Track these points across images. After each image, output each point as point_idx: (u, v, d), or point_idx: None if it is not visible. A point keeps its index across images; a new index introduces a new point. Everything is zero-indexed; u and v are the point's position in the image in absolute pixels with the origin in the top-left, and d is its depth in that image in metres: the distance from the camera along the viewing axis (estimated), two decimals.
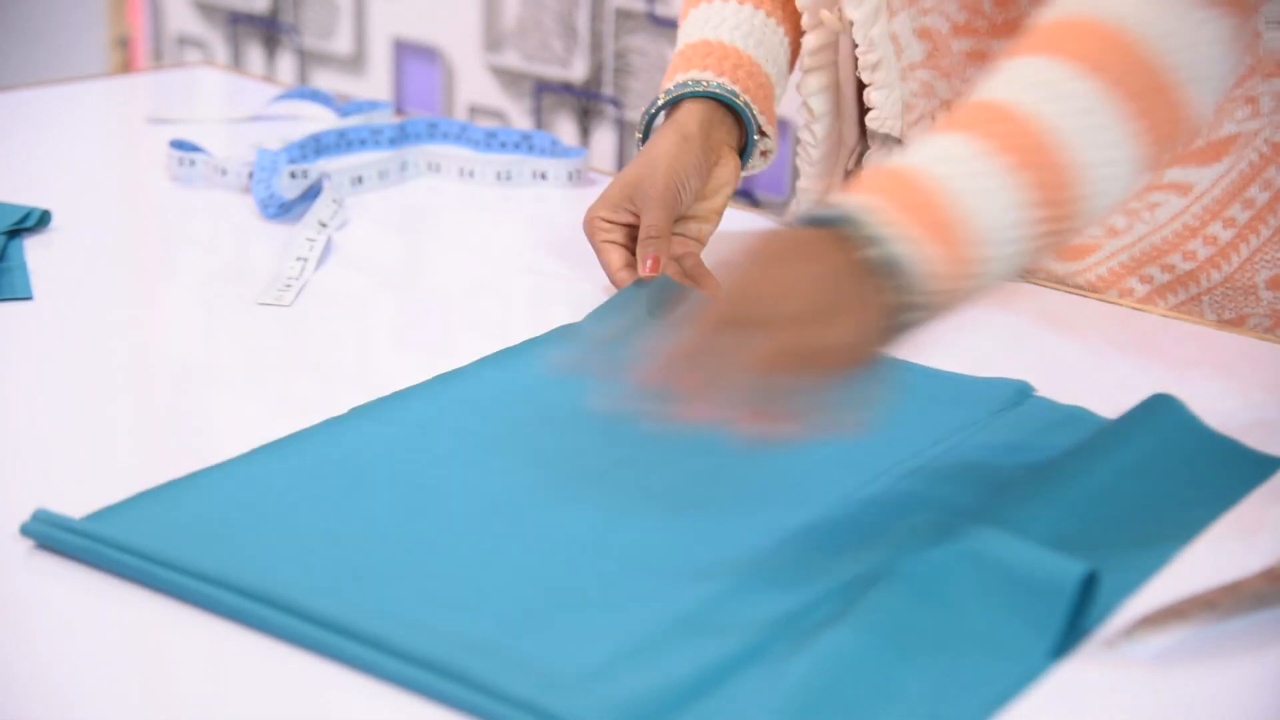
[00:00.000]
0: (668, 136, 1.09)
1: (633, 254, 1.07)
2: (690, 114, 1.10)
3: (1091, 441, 0.86)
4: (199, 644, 0.70)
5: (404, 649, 0.67)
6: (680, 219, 1.09)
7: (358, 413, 0.89)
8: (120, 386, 0.96)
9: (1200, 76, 0.82)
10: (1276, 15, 1.03)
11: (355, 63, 2.42)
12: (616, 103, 2.15)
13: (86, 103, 1.53)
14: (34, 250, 1.12)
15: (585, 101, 2.19)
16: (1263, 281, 1.10)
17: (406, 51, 2.36)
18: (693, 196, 1.08)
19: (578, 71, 2.18)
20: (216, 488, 0.80)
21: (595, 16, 2.14)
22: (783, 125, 1.88)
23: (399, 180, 1.30)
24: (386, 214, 1.25)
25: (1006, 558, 0.73)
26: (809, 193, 1.21)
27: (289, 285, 1.07)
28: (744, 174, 1.14)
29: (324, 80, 2.45)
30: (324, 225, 1.17)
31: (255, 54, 2.55)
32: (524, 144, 1.37)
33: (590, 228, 1.08)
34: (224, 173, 1.26)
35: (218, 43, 2.58)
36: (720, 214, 1.11)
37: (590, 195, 1.10)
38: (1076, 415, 0.92)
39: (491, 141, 1.38)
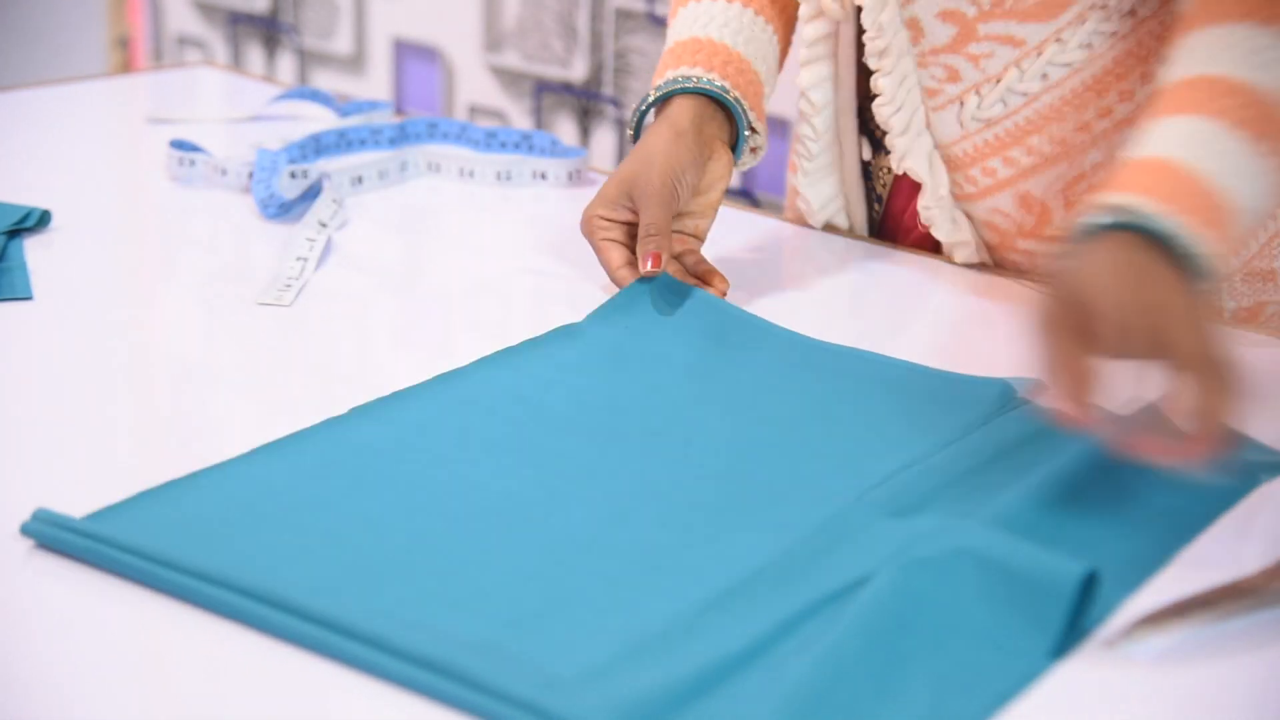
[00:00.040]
0: (661, 133, 1.09)
1: (632, 252, 1.07)
2: (682, 110, 1.10)
3: (1092, 441, 0.86)
4: (199, 644, 0.70)
5: (404, 649, 0.67)
6: (677, 216, 1.09)
7: (358, 413, 0.89)
8: (120, 386, 0.96)
9: None
10: None
11: (355, 63, 2.42)
12: (616, 103, 2.15)
13: (86, 103, 1.53)
14: (34, 250, 1.11)
15: (585, 101, 2.19)
16: None
17: (406, 51, 2.36)
18: (689, 192, 1.08)
19: (578, 71, 2.18)
20: (217, 488, 0.80)
21: (595, 16, 2.14)
22: (779, 124, 1.88)
23: (399, 180, 1.30)
24: (386, 214, 1.24)
25: (1006, 558, 0.73)
26: (809, 192, 1.21)
27: (289, 285, 1.07)
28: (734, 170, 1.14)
29: (324, 80, 2.45)
30: (324, 225, 1.16)
31: (255, 54, 2.55)
32: (524, 144, 1.37)
33: (589, 227, 1.08)
34: (224, 173, 1.26)
35: (218, 43, 2.58)
36: (716, 209, 1.11)
37: (590, 195, 1.10)
38: None
39: (491, 141, 1.38)
